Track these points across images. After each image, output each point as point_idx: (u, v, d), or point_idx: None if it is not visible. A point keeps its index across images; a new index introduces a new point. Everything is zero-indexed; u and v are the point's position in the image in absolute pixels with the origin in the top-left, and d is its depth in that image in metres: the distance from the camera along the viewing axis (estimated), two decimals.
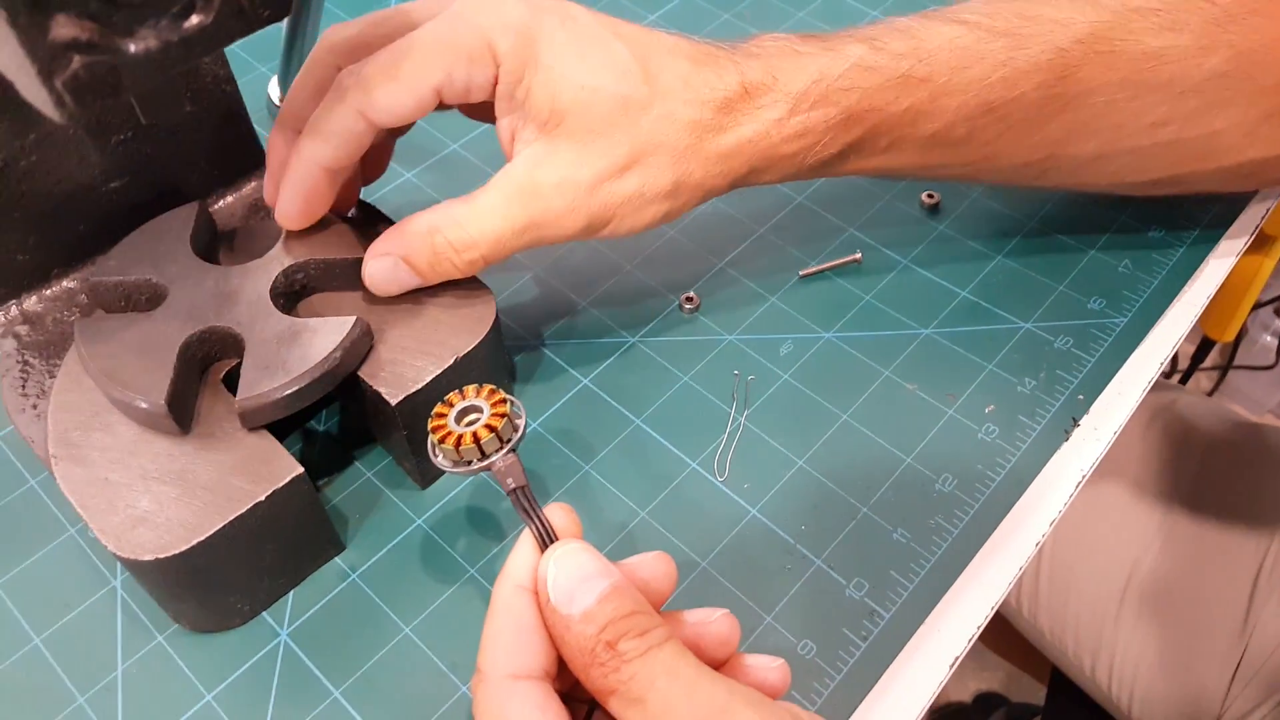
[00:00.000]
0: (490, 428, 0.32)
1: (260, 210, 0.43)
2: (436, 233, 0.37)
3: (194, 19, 0.24)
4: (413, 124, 0.39)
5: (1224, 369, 1.08)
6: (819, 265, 0.47)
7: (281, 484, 0.34)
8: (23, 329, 0.39)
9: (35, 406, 0.37)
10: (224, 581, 0.35)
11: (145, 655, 0.36)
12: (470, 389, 0.33)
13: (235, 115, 0.41)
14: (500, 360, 0.41)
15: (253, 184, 0.43)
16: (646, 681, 0.26)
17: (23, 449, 0.42)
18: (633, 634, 0.26)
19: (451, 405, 0.33)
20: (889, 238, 0.49)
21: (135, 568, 0.33)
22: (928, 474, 0.40)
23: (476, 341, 0.38)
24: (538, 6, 0.37)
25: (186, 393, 0.35)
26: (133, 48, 0.23)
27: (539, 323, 0.46)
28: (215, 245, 0.40)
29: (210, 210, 0.42)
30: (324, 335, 0.36)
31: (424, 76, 0.35)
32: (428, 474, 0.40)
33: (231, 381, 0.37)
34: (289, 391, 0.34)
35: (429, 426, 0.33)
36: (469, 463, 0.32)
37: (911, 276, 0.47)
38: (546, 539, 0.30)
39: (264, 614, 0.38)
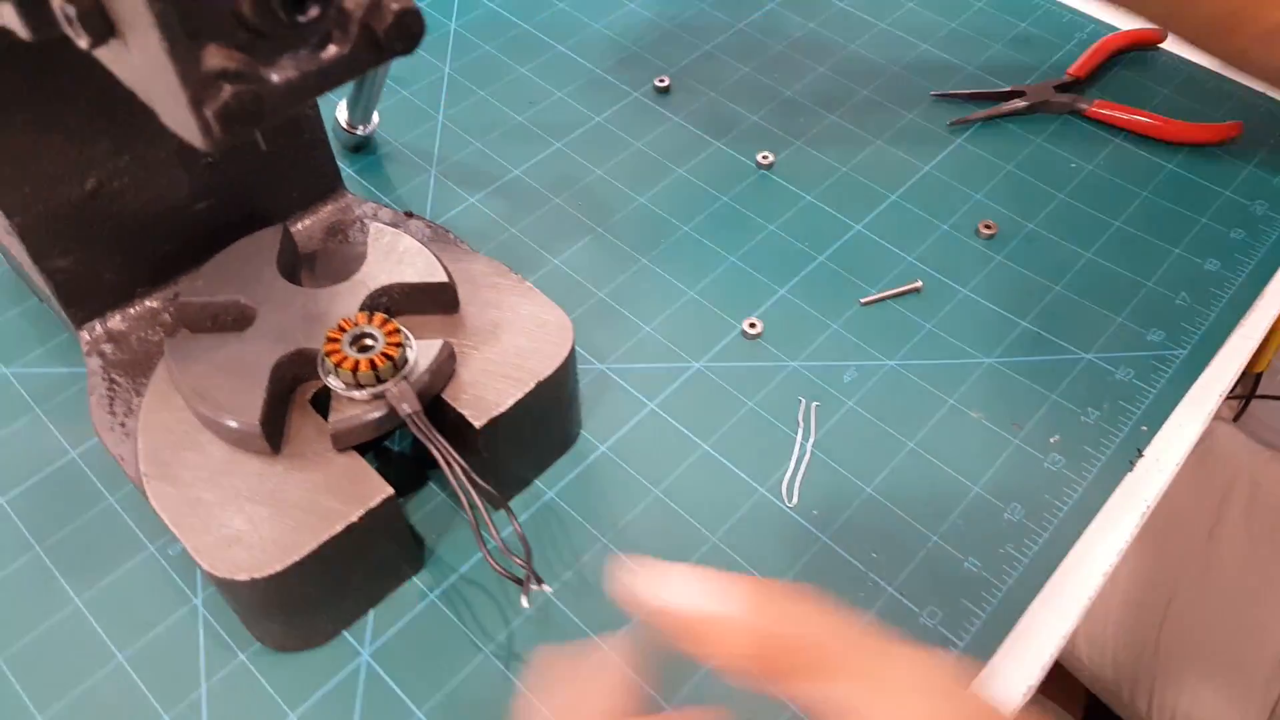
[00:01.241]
0: (387, 355, 0.35)
1: (338, 234, 0.43)
2: None
3: (331, 49, 0.24)
4: None
5: (1246, 398, 1.09)
6: (880, 293, 0.48)
7: (373, 504, 0.34)
8: (108, 347, 0.39)
9: (124, 425, 0.37)
10: (312, 601, 0.36)
11: (229, 674, 0.37)
12: (361, 315, 0.36)
13: (316, 139, 0.42)
14: (574, 383, 0.41)
15: (329, 207, 0.44)
16: None
17: (101, 466, 0.42)
18: None
19: (344, 331, 0.35)
20: (947, 267, 0.49)
21: (228, 587, 0.34)
22: (996, 503, 0.41)
23: (556, 365, 0.38)
24: None
25: (277, 413, 0.36)
26: (275, 77, 0.24)
27: (603, 348, 0.46)
28: (297, 267, 0.41)
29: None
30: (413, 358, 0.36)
31: None
32: (501, 495, 0.41)
33: (318, 402, 0.37)
34: (382, 413, 0.35)
35: (323, 350, 0.35)
36: (363, 387, 0.35)
37: (971, 306, 0.48)
38: (449, 459, 0.33)
39: (345, 633, 0.38)
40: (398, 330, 0.36)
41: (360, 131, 0.51)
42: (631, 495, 0.42)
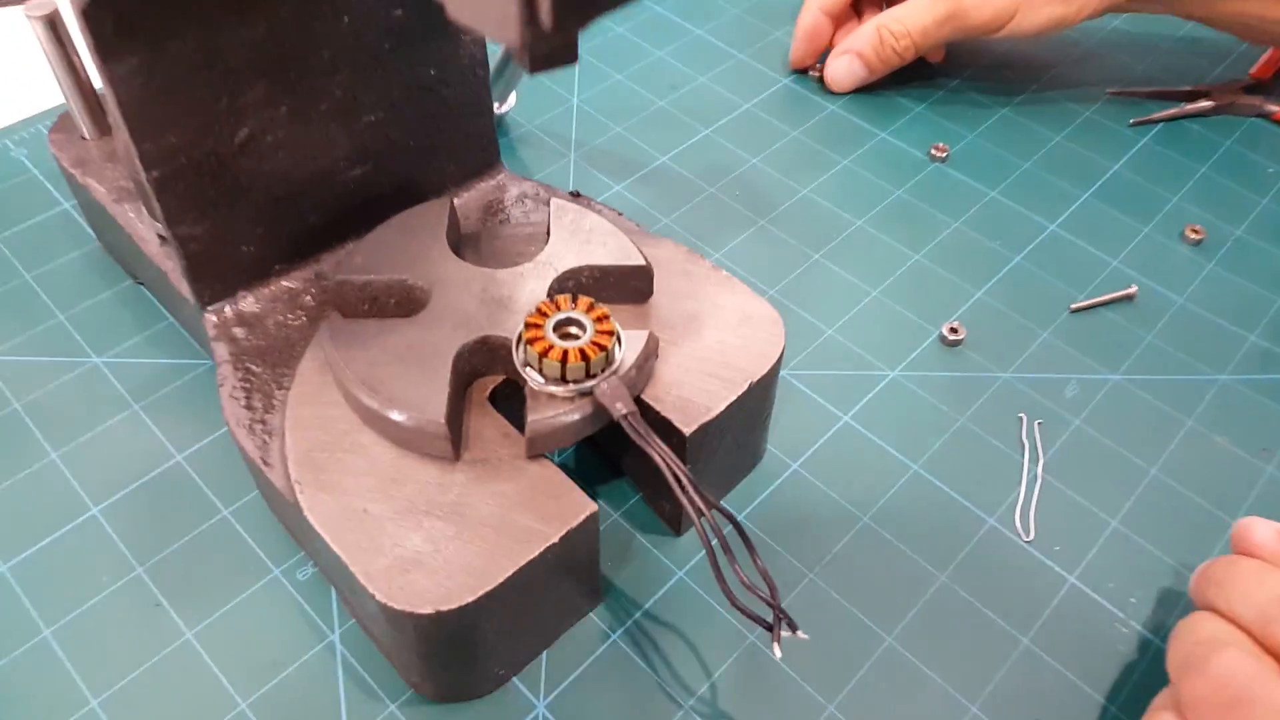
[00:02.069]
0: (599, 345, 0.29)
1: (497, 213, 0.37)
2: (881, 26, 0.49)
3: None
4: None
5: None
6: (1091, 299, 0.42)
7: (576, 523, 0.28)
8: (239, 331, 0.33)
9: (264, 423, 0.31)
10: (490, 640, 0.29)
11: None
12: (563, 299, 0.30)
13: (481, 105, 0.36)
14: (775, 390, 0.35)
15: (487, 184, 0.38)
16: None
17: (214, 471, 0.36)
18: None
19: (545, 316, 0.30)
20: (1156, 273, 0.44)
21: (403, 623, 0.27)
22: None
23: (769, 365, 0.33)
24: None
25: (459, 411, 0.30)
26: None
27: None
28: (460, 248, 0.35)
29: None
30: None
31: None
32: (684, 517, 0.35)
33: (499, 401, 0.31)
34: (587, 413, 0.29)
35: (523, 336, 0.29)
36: (569, 382, 0.29)
37: (1190, 316, 0.42)
38: (670, 464, 0.27)
39: (515, 680, 0.32)
40: (608, 317, 0.30)
41: (497, 110, 0.46)
42: (835, 521, 0.36)
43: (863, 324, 0.42)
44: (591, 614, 0.33)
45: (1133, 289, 0.42)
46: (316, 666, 0.32)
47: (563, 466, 0.36)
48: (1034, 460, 0.37)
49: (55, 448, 0.37)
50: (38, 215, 0.44)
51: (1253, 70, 0.54)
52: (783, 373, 0.40)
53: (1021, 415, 0.38)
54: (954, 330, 0.41)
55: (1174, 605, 0.34)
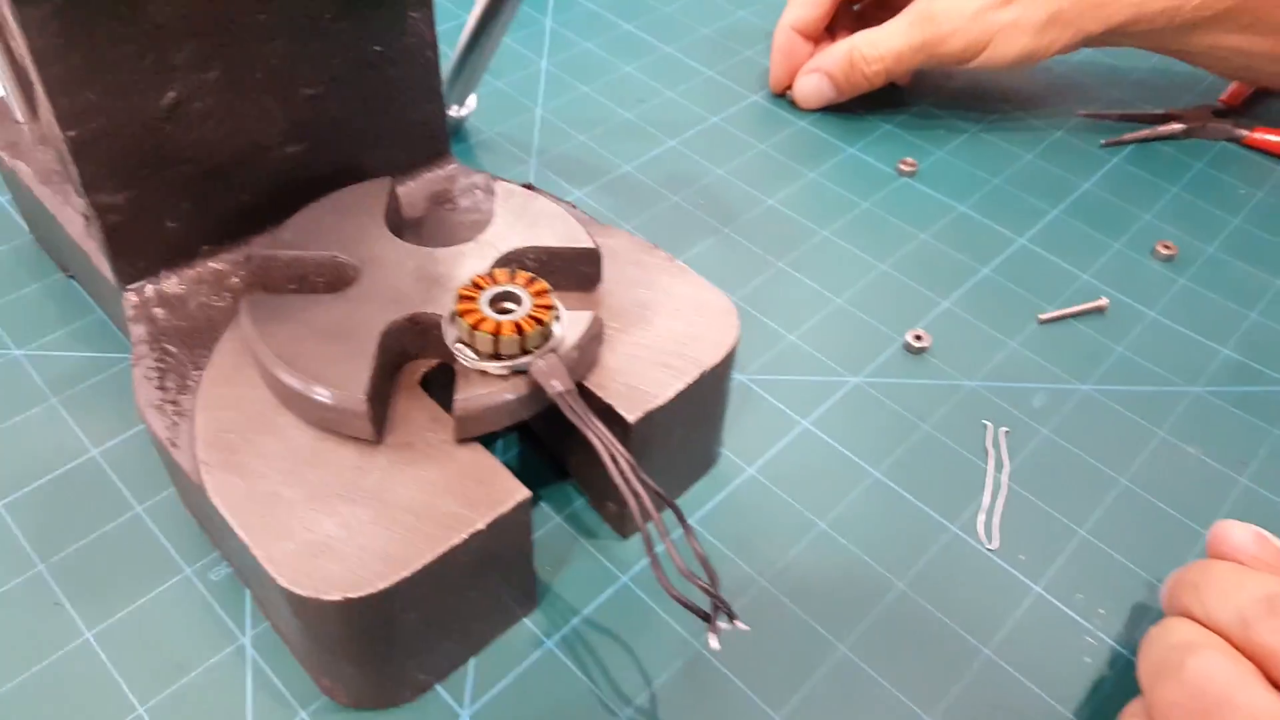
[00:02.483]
0: (536, 319, 0.27)
1: (446, 201, 0.36)
2: (854, 48, 0.48)
3: None
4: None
5: None
6: (1061, 310, 0.41)
7: (505, 510, 0.26)
8: (159, 311, 0.32)
9: (176, 403, 0.29)
10: (409, 638, 0.27)
11: None
12: (502, 273, 0.28)
13: (430, 90, 0.35)
14: (729, 384, 0.34)
15: (436, 173, 0.37)
16: None
17: (129, 467, 0.34)
18: None
19: (479, 289, 0.28)
20: (1128, 287, 0.43)
21: (310, 612, 0.25)
22: None
23: (723, 354, 0.31)
24: None
25: (384, 392, 0.28)
26: None
27: (741, 356, 0.39)
28: (400, 232, 0.33)
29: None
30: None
31: None
32: (630, 519, 0.33)
33: (429, 387, 0.29)
34: (523, 393, 0.27)
35: (456, 309, 0.27)
36: (503, 358, 0.27)
37: (1162, 329, 0.41)
38: (606, 445, 0.26)
39: (438, 686, 0.29)
40: (548, 291, 0.28)
41: (454, 113, 0.45)
42: (791, 528, 0.34)
43: (825, 331, 0.40)
44: (526, 619, 0.31)
45: (1103, 301, 0.41)
46: (224, 670, 0.29)
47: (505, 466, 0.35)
48: (999, 468, 0.35)
49: None
50: None
51: (1223, 96, 0.53)
52: (742, 378, 0.38)
53: (986, 423, 0.37)
54: (919, 338, 0.39)
55: (1144, 617, 0.32)
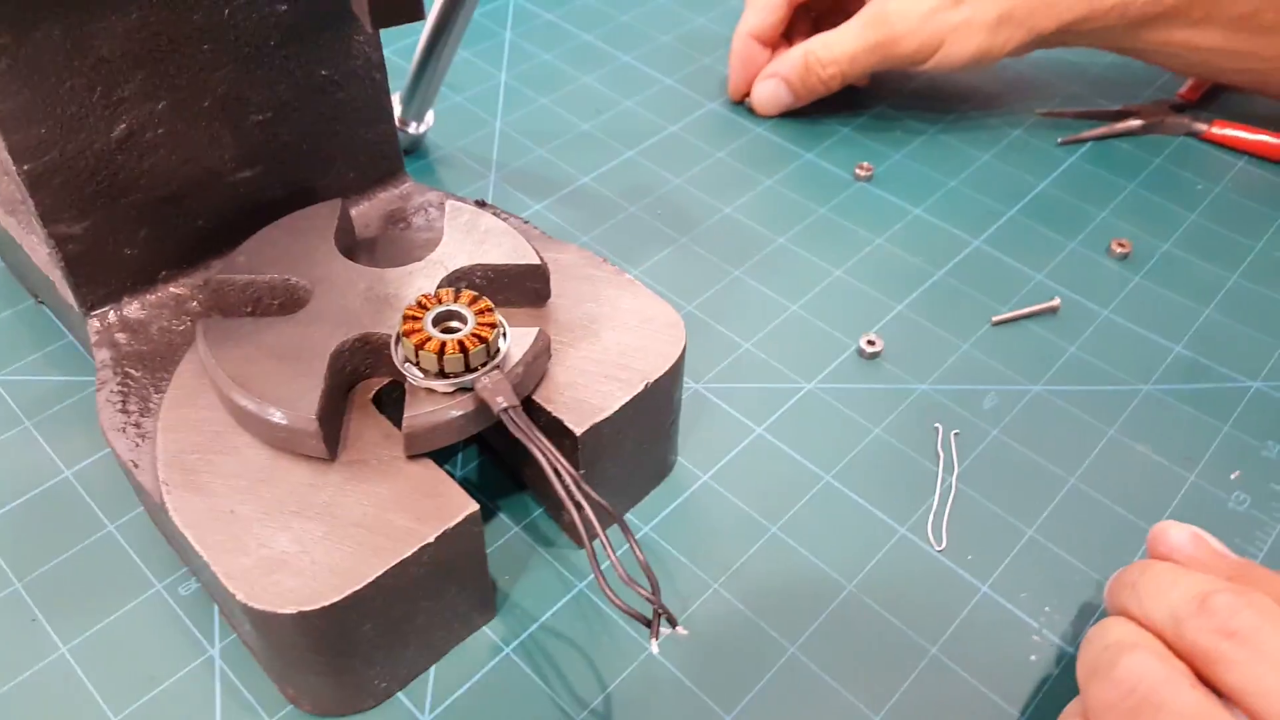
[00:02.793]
0: (479, 338, 0.28)
1: (400, 220, 0.37)
2: (809, 52, 0.49)
3: None
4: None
5: None
6: (1014, 312, 0.42)
7: (454, 523, 0.27)
8: (122, 336, 0.32)
9: (138, 426, 0.30)
10: (368, 648, 0.28)
11: None
12: (446, 292, 0.29)
13: (381, 111, 0.36)
14: (680, 395, 0.34)
15: (389, 193, 0.38)
16: None
17: (100, 488, 0.35)
18: None
19: (425, 309, 0.29)
20: (1082, 286, 0.43)
21: (267, 624, 0.26)
22: None
23: (668, 366, 0.32)
24: None
25: (335, 411, 0.29)
26: None
27: (697, 365, 0.40)
28: (354, 251, 0.34)
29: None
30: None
31: None
32: (589, 528, 0.33)
33: (381, 404, 0.30)
34: (469, 410, 0.28)
35: (400, 329, 0.28)
36: (448, 376, 0.28)
37: (1115, 328, 0.42)
38: (549, 458, 0.27)
39: (400, 694, 0.30)
40: (491, 309, 0.29)
41: (412, 129, 0.46)
42: (743, 533, 0.34)
43: (780, 338, 0.41)
44: (485, 627, 0.32)
45: (1055, 302, 0.42)
46: (193, 681, 0.30)
47: (464, 481, 0.36)
48: (949, 470, 0.36)
49: None
50: None
51: (1181, 91, 0.54)
52: (697, 386, 0.39)
53: (937, 425, 0.38)
54: (871, 343, 0.40)
55: (1090, 615, 0.32)
